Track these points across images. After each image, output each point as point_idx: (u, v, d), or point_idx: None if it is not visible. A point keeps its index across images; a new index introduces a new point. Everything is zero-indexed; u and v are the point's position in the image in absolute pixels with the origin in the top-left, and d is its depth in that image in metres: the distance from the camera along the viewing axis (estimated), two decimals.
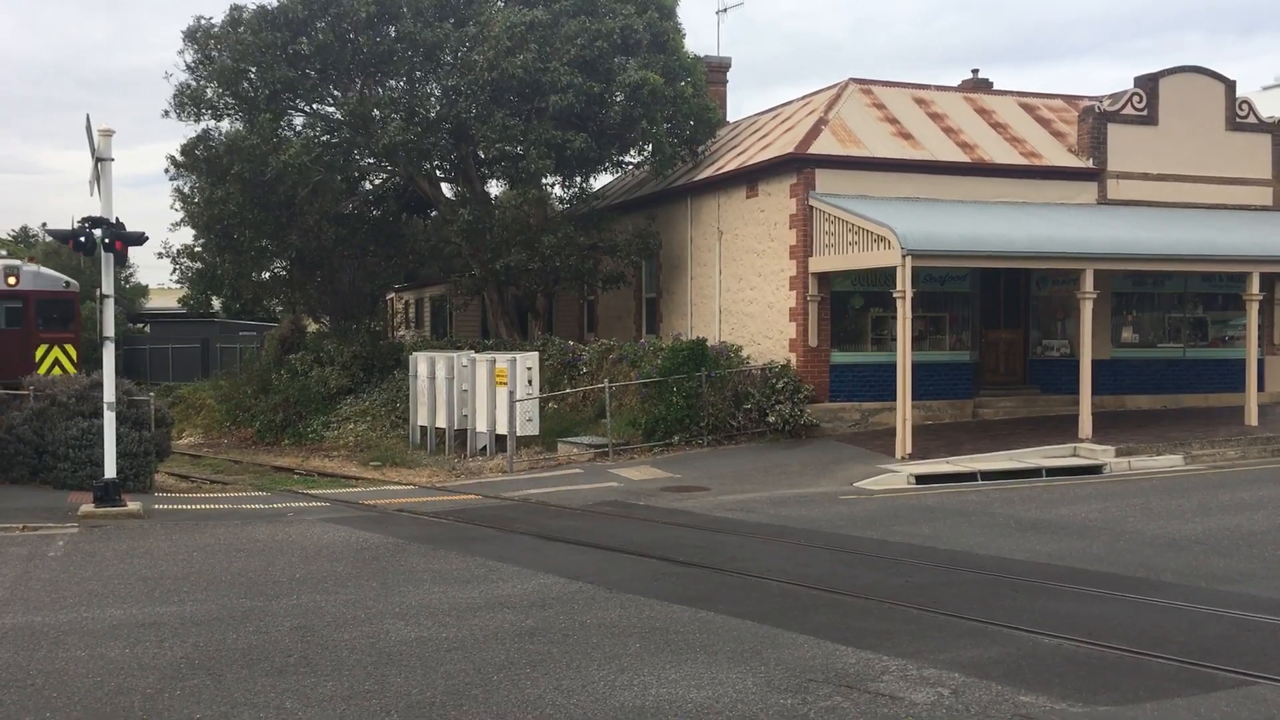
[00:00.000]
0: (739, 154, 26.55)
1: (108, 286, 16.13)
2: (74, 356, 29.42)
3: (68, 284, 29.57)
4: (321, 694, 7.68)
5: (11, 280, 28.56)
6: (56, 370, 29.01)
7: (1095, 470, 18.98)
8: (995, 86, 28.17)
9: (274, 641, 9.02)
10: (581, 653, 8.58)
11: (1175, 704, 7.34)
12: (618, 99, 27.01)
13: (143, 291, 70.53)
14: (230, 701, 7.54)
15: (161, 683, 7.96)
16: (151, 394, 19.00)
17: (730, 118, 33.01)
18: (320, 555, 12.74)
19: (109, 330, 16.17)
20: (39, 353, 29.10)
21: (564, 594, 10.63)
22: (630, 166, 31.77)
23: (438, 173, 31.83)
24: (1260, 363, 23.37)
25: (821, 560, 12.30)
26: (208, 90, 30.23)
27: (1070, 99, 27.57)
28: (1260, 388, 23.30)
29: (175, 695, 7.68)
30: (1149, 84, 24.89)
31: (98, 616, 9.91)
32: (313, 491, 19.65)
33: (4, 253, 29.99)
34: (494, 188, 32.23)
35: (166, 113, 30.96)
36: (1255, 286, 21.99)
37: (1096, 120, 24.63)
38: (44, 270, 30.08)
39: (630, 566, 12.05)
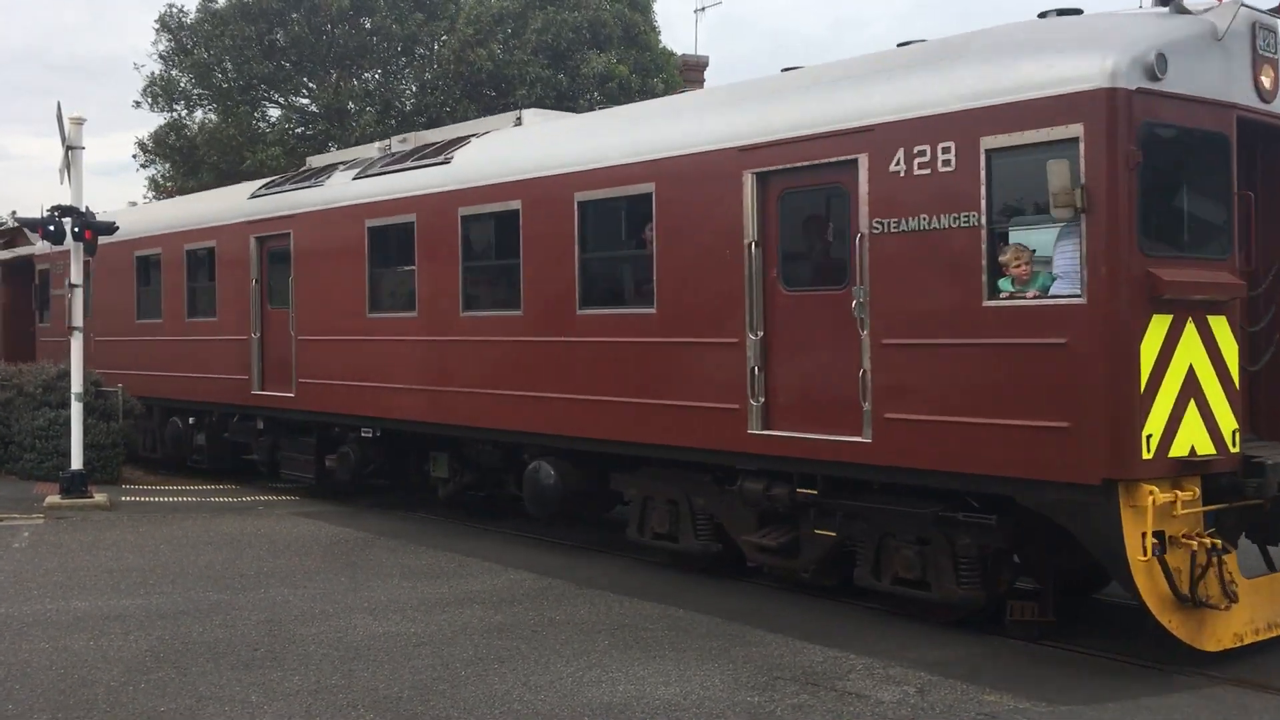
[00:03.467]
0: None
1: (77, 276, 16.01)
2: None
3: None
4: (288, 688, 7.65)
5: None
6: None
7: None
8: None
9: (240, 635, 8.98)
10: (550, 649, 8.58)
11: (1137, 703, 7.42)
12: (594, 97, 27.00)
13: None
14: (195, 695, 7.50)
15: (126, 675, 7.91)
16: (120, 385, 18.81)
17: None
18: (289, 549, 12.68)
19: (78, 320, 16.03)
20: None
21: (533, 590, 10.63)
22: None
23: None
24: None
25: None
26: (181, 81, 30.04)
27: None
28: None
29: (140, 688, 7.63)
30: None
31: (62, 608, 9.83)
32: (283, 484, 19.52)
33: None
34: None
35: (138, 103, 30.77)
36: None
37: None
38: None
39: (600, 563, 12.05)
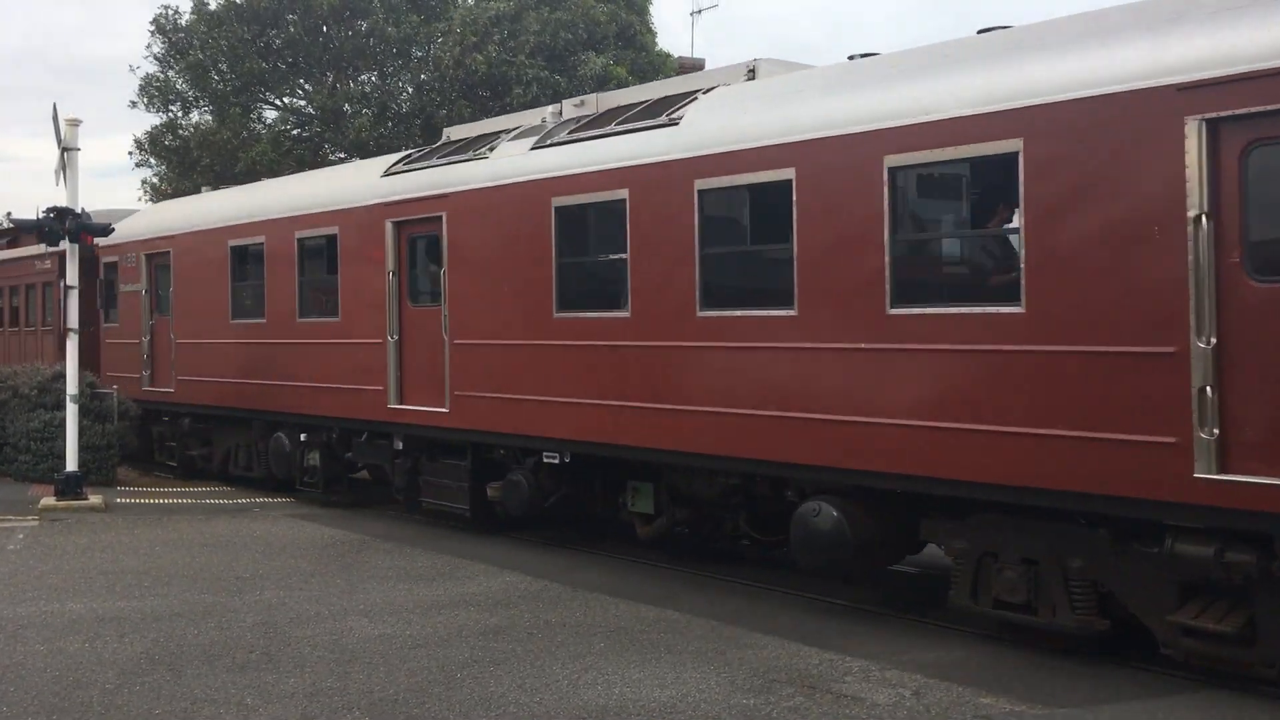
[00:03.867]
0: None
1: (72, 278, 15.99)
2: None
3: None
4: (283, 690, 7.64)
5: None
6: None
7: None
8: None
9: (236, 637, 8.96)
10: (546, 651, 8.57)
11: (1133, 706, 7.42)
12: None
13: None
14: (190, 697, 7.49)
15: (121, 678, 7.89)
16: (115, 386, 18.79)
17: None
18: (284, 551, 12.67)
19: (73, 322, 16.01)
20: None
21: (529, 592, 10.62)
22: None
23: None
24: None
25: (786, 561, 12.33)
26: (177, 83, 30.06)
27: None
28: None
29: (135, 690, 7.62)
30: None
31: (57, 610, 9.81)
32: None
33: None
34: None
35: (134, 103, 30.79)
36: None
37: None
38: None
39: (596, 565, 12.05)
